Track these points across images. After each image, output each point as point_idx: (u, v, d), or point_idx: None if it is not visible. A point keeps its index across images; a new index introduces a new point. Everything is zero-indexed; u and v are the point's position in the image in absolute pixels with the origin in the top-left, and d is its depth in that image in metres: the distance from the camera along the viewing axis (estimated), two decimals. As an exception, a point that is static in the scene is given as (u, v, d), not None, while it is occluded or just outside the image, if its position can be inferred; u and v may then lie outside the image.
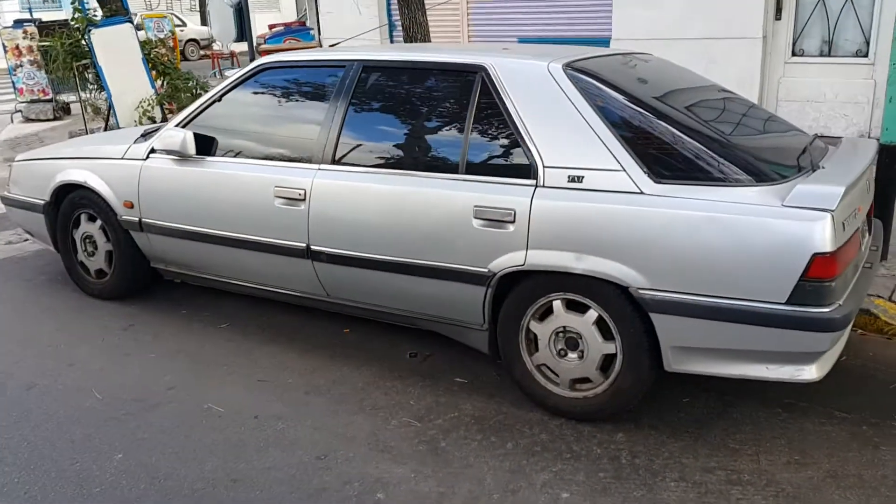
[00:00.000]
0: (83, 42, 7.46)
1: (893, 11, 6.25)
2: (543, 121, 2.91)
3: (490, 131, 3.04)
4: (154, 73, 7.93)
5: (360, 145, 3.34)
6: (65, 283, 4.50)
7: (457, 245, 3.01)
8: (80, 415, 3.09)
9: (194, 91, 8.21)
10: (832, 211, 2.47)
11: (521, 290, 2.96)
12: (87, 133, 7.73)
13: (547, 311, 2.95)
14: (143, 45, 7.88)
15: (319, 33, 12.83)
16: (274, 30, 14.07)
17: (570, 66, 3.01)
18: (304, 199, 3.35)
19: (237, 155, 3.64)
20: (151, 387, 3.31)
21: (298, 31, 12.48)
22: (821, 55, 6.83)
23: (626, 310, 2.76)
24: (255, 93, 3.69)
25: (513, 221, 2.87)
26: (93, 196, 4.09)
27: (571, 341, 2.92)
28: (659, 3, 7.21)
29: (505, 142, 2.99)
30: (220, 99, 3.72)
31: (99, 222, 4.14)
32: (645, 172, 2.71)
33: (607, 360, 2.88)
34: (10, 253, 5.22)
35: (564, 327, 2.91)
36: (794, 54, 6.93)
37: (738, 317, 2.58)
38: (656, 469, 2.67)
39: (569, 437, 2.88)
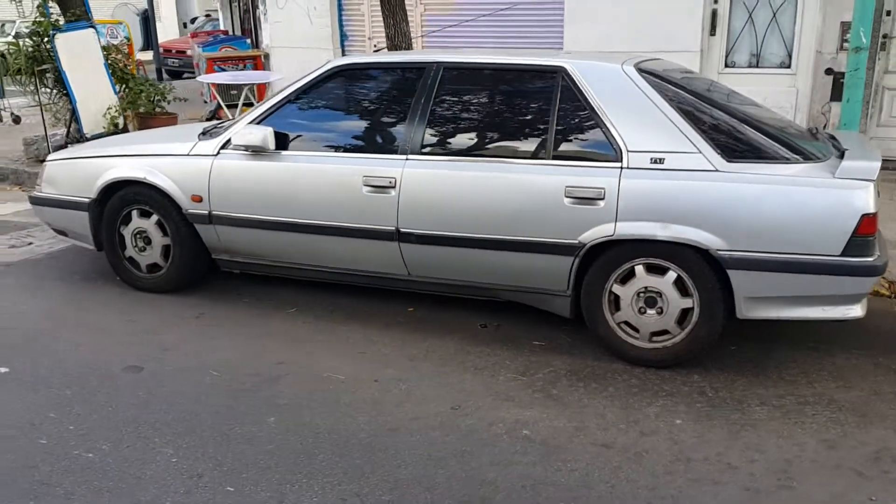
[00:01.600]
0: (45, 46, 7.35)
1: (812, 28, 7.26)
2: (624, 112, 3.43)
3: (574, 122, 3.53)
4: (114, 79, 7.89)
5: (448, 137, 3.74)
6: (105, 280, 4.60)
7: (547, 220, 3.47)
8: (207, 390, 3.30)
9: (153, 98, 8.21)
10: (874, 180, 3.11)
11: (607, 257, 3.45)
12: (46, 140, 7.59)
13: (628, 275, 3.45)
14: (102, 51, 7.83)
15: (256, 42, 12.94)
16: (198, 38, 13.95)
17: (638, 66, 3.54)
18: (394, 187, 3.70)
19: (319, 149, 3.94)
20: (260, 363, 3.55)
21: (233, 39, 12.48)
22: (750, 66, 7.74)
23: (704, 269, 3.31)
24: (332, 92, 4.01)
25: (603, 198, 3.36)
26: (150, 192, 4.24)
27: (651, 300, 3.43)
28: (608, 20, 7.92)
29: (589, 131, 3.49)
30: (295, 98, 4.01)
31: (155, 217, 4.29)
32: (718, 153, 3.28)
33: (683, 314, 3.40)
34: (22, 256, 5.20)
35: (646, 287, 3.42)
36: (726, 66, 7.81)
37: (801, 268, 3.17)
38: (738, 398, 3.22)
39: (655, 381, 3.38)
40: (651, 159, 3.35)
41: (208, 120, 8.73)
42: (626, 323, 3.51)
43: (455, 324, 3.98)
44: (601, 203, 3.37)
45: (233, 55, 10.76)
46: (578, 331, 3.80)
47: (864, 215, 3.08)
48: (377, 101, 4.01)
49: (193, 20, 22.66)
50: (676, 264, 3.35)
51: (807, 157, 3.32)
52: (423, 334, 3.87)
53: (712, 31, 7.80)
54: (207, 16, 21.53)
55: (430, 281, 3.89)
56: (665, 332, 3.45)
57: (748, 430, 2.97)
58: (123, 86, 8.08)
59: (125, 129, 7.95)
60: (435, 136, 3.73)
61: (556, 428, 3.00)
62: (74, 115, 7.60)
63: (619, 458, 2.79)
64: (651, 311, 3.45)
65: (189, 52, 16.60)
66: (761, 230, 3.20)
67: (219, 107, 8.80)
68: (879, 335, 3.83)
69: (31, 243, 5.48)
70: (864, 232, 3.10)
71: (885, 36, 7.12)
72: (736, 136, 3.36)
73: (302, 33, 9.79)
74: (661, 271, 3.40)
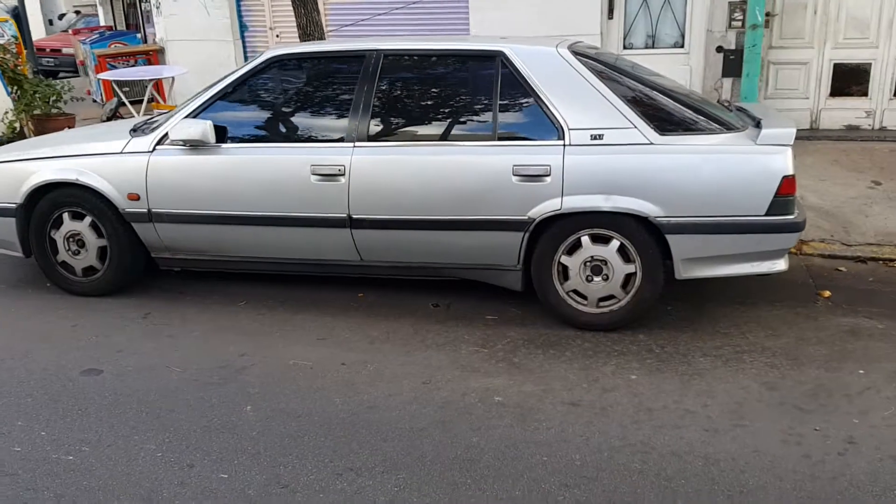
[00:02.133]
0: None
1: (702, 9, 7.74)
2: (562, 93, 3.63)
3: (516, 104, 3.70)
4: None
5: (394, 124, 3.84)
6: (34, 286, 4.46)
7: (496, 199, 3.63)
8: (175, 385, 3.29)
9: (49, 99, 7.86)
10: (791, 145, 3.44)
11: (554, 230, 3.65)
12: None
13: (575, 246, 3.67)
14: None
15: (145, 37, 12.48)
16: (80, 36, 13.31)
17: (572, 49, 3.75)
18: (343, 174, 3.77)
19: (262, 140, 3.95)
20: (223, 356, 3.56)
21: (122, 35, 11.98)
22: (646, 47, 8.17)
23: (644, 236, 3.56)
24: (270, 83, 4.02)
25: (549, 175, 3.56)
26: (83, 193, 4.13)
27: (596, 268, 3.66)
28: (511, 6, 8.15)
29: (531, 112, 3.67)
30: (232, 91, 4.00)
31: (89, 219, 4.18)
32: (651, 128, 3.53)
33: (626, 279, 3.65)
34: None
35: (592, 257, 3.64)
36: (625, 48, 8.21)
37: (731, 228, 3.48)
38: (682, 352, 3.50)
39: (606, 343, 3.61)
40: (591, 136, 3.56)
41: (108, 119, 8.42)
42: (575, 291, 3.72)
43: (408, 306, 4.09)
44: (547, 179, 3.56)
45: (125, 51, 10.38)
46: (526, 303, 4.00)
47: (784, 177, 3.41)
48: (318, 91, 4.05)
49: (61, 17, 21.46)
50: (619, 233, 3.59)
51: (728, 128, 3.62)
52: (378, 318, 3.96)
53: (610, 15, 8.17)
54: (77, 12, 20.45)
55: (383, 265, 3.99)
56: (611, 297, 3.69)
57: (697, 379, 3.24)
58: (16, 88, 7.68)
59: (22, 134, 7.58)
60: (381, 122, 3.82)
61: (525, 392, 3.17)
62: (-34, 120, 7.18)
63: (588, 414, 3.00)
64: (597, 279, 3.67)
65: (65, 51, 15.80)
66: (694, 196, 3.48)
67: (120, 104, 8.48)
68: (795, 287, 4.21)
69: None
70: (785, 192, 3.42)
71: (768, 14, 7.70)
72: (665, 111, 3.63)
73: (199, 25, 9.55)
74: (605, 240, 3.63)
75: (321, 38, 6.58)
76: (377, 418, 3.00)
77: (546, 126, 3.62)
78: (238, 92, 4.02)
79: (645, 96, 3.68)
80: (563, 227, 3.64)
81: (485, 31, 8.29)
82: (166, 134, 4.01)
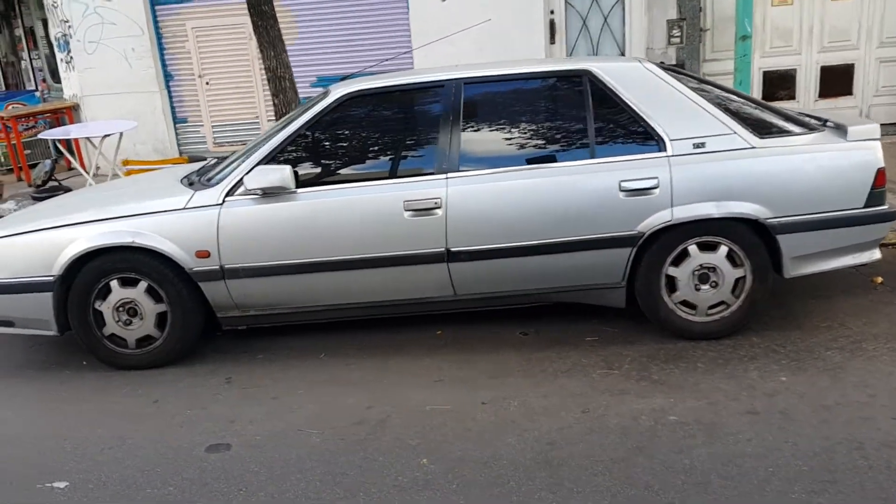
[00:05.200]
0: None
1: (641, 28, 8.12)
2: (658, 105, 3.65)
3: (611, 120, 3.69)
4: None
5: (486, 151, 3.73)
6: (70, 366, 3.99)
7: (603, 217, 3.59)
8: (324, 447, 3.00)
9: None
10: (878, 139, 3.62)
11: (662, 242, 3.64)
12: None
13: (681, 256, 3.68)
14: None
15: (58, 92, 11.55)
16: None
17: (652, 62, 3.79)
18: (440, 207, 3.61)
19: (344, 181, 3.72)
20: (349, 411, 3.29)
21: (16, 94, 11.00)
22: (594, 68, 8.43)
23: (754, 239, 3.62)
24: (344, 121, 3.80)
25: (657, 187, 3.56)
26: (139, 256, 3.73)
27: (704, 276, 3.68)
28: (453, 39, 8.14)
29: (628, 126, 3.66)
30: (304, 133, 3.76)
31: (144, 284, 3.78)
32: (750, 132, 3.62)
33: (736, 284, 3.69)
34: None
35: (701, 265, 3.67)
36: (573, 69, 8.44)
37: (835, 223, 3.60)
38: (806, 349, 3.57)
39: (727, 350, 3.63)
40: (693, 144, 3.60)
41: (44, 183, 7.70)
42: (684, 302, 3.72)
43: (495, 337, 3.94)
44: (656, 192, 3.56)
45: (36, 110, 9.56)
46: (615, 320, 3.97)
47: (878, 169, 3.58)
48: (398, 125, 3.88)
49: None
50: (728, 238, 3.63)
51: (810, 129, 3.77)
52: (476, 352, 3.78)
53: (552, 40, 8.40)
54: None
55: (476, 297, 3.83)
56: (721, 303, 3.72)
57: (842, 373, 3.31)
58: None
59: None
60: (472, 150, 3.70)
61: (693, 408, 3.12)
62: None
63: (773, 420, 2.98)
64: (705, 287, 3.69)
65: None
66: (799, 195, 3.58)
67: (54, 165, 7.78)
68: (842, 277, 4.37)
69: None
70: (880, 184, 3.60)
71: (702, 29, 8.18)
72: (754, 117, 3.73)
73: (119, 78, 8.96)
74: (713, 247, 3.66)
75: (291, 79, 6.33)
76: (567, 454, 2.85)
77: (646, 139, 3.63)
78: (310, 133, 3.78)
79: (731, 103, 3.77)
80: (671, 238, 3.64)
81: (430, 64, 8.26)
82: (237, 184, 3.69)
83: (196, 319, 3.85)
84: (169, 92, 9.11)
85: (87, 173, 7.27)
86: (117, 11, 8.69)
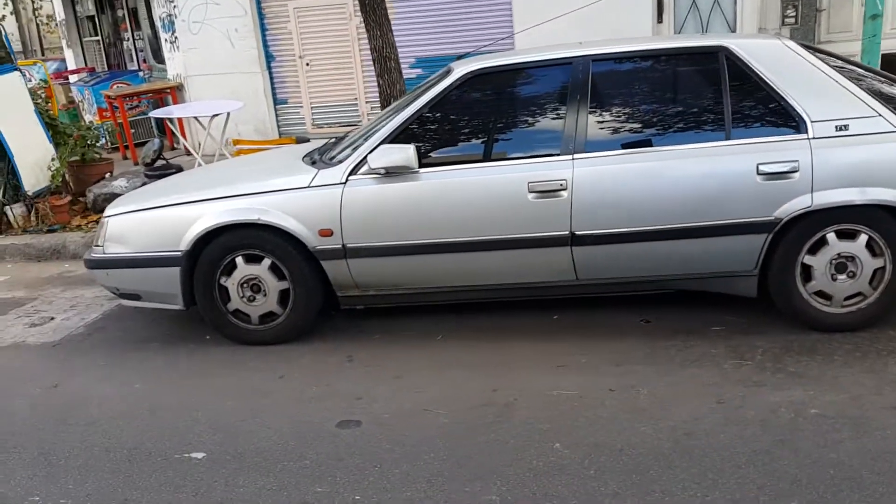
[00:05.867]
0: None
1: (753, 7, 7.80)
2: (798, 84, 3.49)
3: (749, 100, 3.55)
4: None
5: (615, 131, 3.64)
6: (193, 340, 4.10)
7: (738, 202, 3.46)
8: (453, 429, 3.01)
9: (87, 143, 7.38)
10: None
11: (799, 229, 3.48)
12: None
13: (818, 244, 3.51)
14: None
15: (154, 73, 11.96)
16: (65, 79, 12.67)
17: (790, 40, 3.62)
18: (565, 189, 3.54)
19: (468, 161, 3.70)
20: (476, 394, 3.28)
21: (119, 74, 11.41)
22: (700, 48, 8.16)
23: (895, 227, 3.43)
24: (467, 100, 3.78)
25: (797, 171, 3.40)
26: (263, 234, 3.80)
27: (841, 266, 3.51)
28: (558, 13, 8.02)
29: (767, 106, 3.51)
30: (427, 112, 3.74)
31: (268, 261, 3.85)
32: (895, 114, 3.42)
33: (874, 275, 3.51)
34: (59, 333, 4.47)
35: (839, 254, 3.49)
36: (678, 50, 8.19)
37: None
38: (953, 344, 3.37)
39: (864, 343, 3.46)
40: (836, 127, 3.43)
41: (152, 162, 7.95)
42: (819, 292, 3.56)
43: (614, 324, 3.86)
44: (795, 176, 3.40)
45: (141, 89, 9.90)
46: (742, 310, 3.82)
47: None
48: (523, 104, 3.83)
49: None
50: (869, 226, 3.45)
51: (947, 109, 3.54)
52: (597, 339, 3.71)
53: (659, 19, 8.16)
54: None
55: (599, 282, 3.76)
56: (857, 294, 3.54)
57: None
58: (51, 133, 7.19)
59: (65, 183, 7.11)
60: (600, 131, 3.62)
61: (835, 402, 2.98)
62: (13, 172, 6.65)
63: (923, 417, 2.83)
64: (842, 277, 3.52)
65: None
66: (950, 179, 3.37)
67: (162, 145, 8.03)
68: None
69: (52, 318, 4.74)
70: None
71: (818, 9, 7.81)
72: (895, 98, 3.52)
73: (222, 58, 9.19)
74: (852, 236, 3.48)
75: (396, 60, 6.33)
76: (706, 444, 2.78)
77: (786, 120, 3.48)
78: (432, 112, 3.76)
79: (875, 84, 3.57)
80: (810, 225, 3.48)
81: (531, 43, 8.14)
82: (360, 163, 3.71)
83: (317, 297, 3.91)
84: (270, 73, 9.29)
85: (196, 153, 7.45)
86: (222, -9, 8.88)
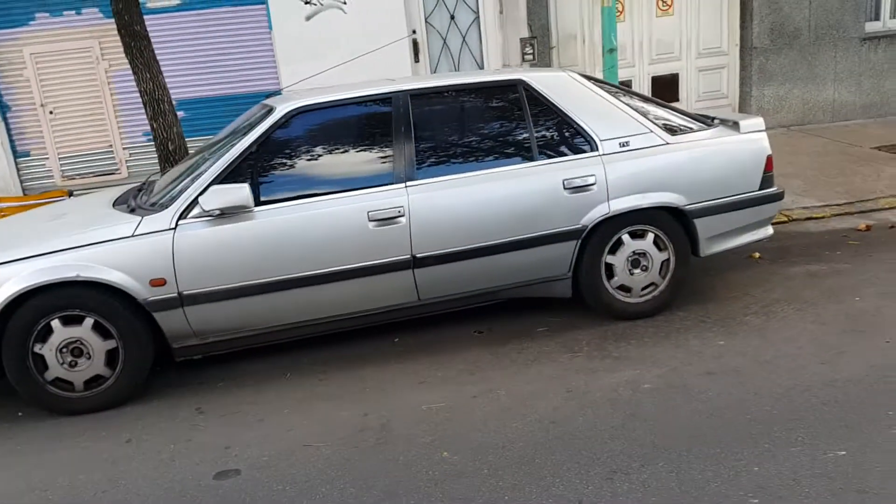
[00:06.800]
0: None
1: (496, 46, 8.66)
2: (585, 109, 4.04)
3: (547, 125, 4.02)
4: None
5: (440, 158, 3.91)
6: (5, 416, 3.66)
7: (554, 213, 3.91)
8: (340, 458, 3.04)
9: None
10: (765, 130, 4.24)
11: (601, 233, 4.01)
12: None
13: (616, 245, 4.07)
14: None
15: None
16: None
17: (574, 72, 4.18)
18: (403, 215, 3.75)
19: (304, 196, 3.74)
20: (347, 421, 3.32)
21: None
22: (454, 83, 8.83)
23: (674, 224, 4.10)
24: (294, 136, 3.82)
25: (595, 183, 3.93)
26: (84, 291, 3.53)
27: (636, 262, 4.11)
28: (321, 56, 8.24)
29: (563, 131, 4.01)
30: (256, 150, 3.74)
31: (90, 320, 3.58)
32: (663, 130, 4.09)
33: (662, 266, 4.15)
34: None
35: (633, 252, 4.08)
36: (435, 85, 8.79)
37: (738, 205, 4.16)
38: (726, 316, 4.09)
39: (662, 324, 4.06)
40: (619, 143, 4.02)
41: None
42: (621, 286, 4.12)
43: (452, 338, 4.10)
44: (594, 188, 3.93)
45: None
46: (553, 312, 4.30)
47: (767, 156, 4.19)
48: (351, 138, 3.93)
49: None
50: (654, 225, 4.08)
51: (707, 125, 4.32)
52: (441, 354, 3.93)
53: (416, 59, 8.71)
54: None
55: (438, 300, 4.00)
56: (651, 284, 4.15)
57: (766, 332, 3.85)
58: None
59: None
60: (428, 159, 3.87)
61: (660, 376, 3.49)
62: None
63: (730, 377, 3.42)
64: (637, 271, 4.11)
65: None
66: (709, 183, 4.10)
67: None
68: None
69: None
70: (770, 169, 4.20)
71: (550, 47, 8.87)
72: (663, 118, 4.22)
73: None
74: (642, 235, 4.08)
75: (170, 101, 6.14)
76: (572, 427, 3.11)
77: (579, 141, 4.00)
78: (259, 150, 3.76)
79: (643, 107, 4.23)
80: (609, 228, 4.02)
81: (298, 85, 8.26)
82: (190, 205, 3.61)
83: (149, 353, 3.70)
84: (7, 124, 8.36)
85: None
86: (-61, 38, 7.88)
